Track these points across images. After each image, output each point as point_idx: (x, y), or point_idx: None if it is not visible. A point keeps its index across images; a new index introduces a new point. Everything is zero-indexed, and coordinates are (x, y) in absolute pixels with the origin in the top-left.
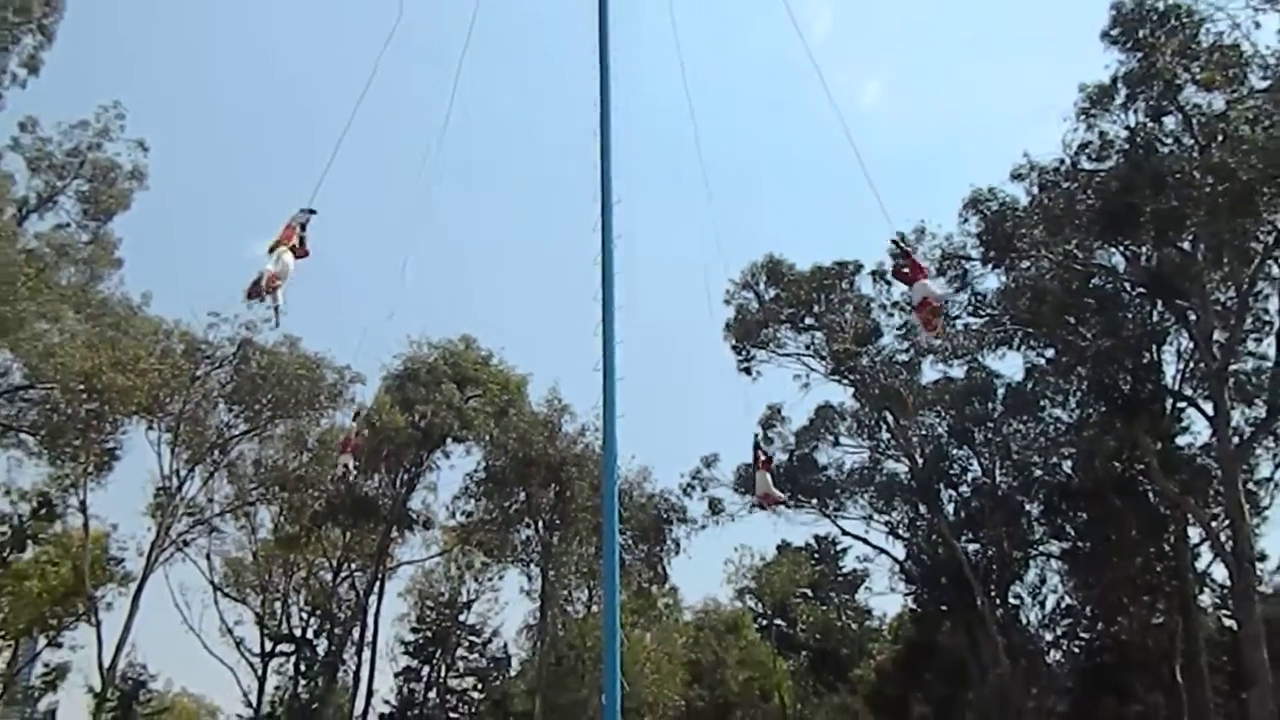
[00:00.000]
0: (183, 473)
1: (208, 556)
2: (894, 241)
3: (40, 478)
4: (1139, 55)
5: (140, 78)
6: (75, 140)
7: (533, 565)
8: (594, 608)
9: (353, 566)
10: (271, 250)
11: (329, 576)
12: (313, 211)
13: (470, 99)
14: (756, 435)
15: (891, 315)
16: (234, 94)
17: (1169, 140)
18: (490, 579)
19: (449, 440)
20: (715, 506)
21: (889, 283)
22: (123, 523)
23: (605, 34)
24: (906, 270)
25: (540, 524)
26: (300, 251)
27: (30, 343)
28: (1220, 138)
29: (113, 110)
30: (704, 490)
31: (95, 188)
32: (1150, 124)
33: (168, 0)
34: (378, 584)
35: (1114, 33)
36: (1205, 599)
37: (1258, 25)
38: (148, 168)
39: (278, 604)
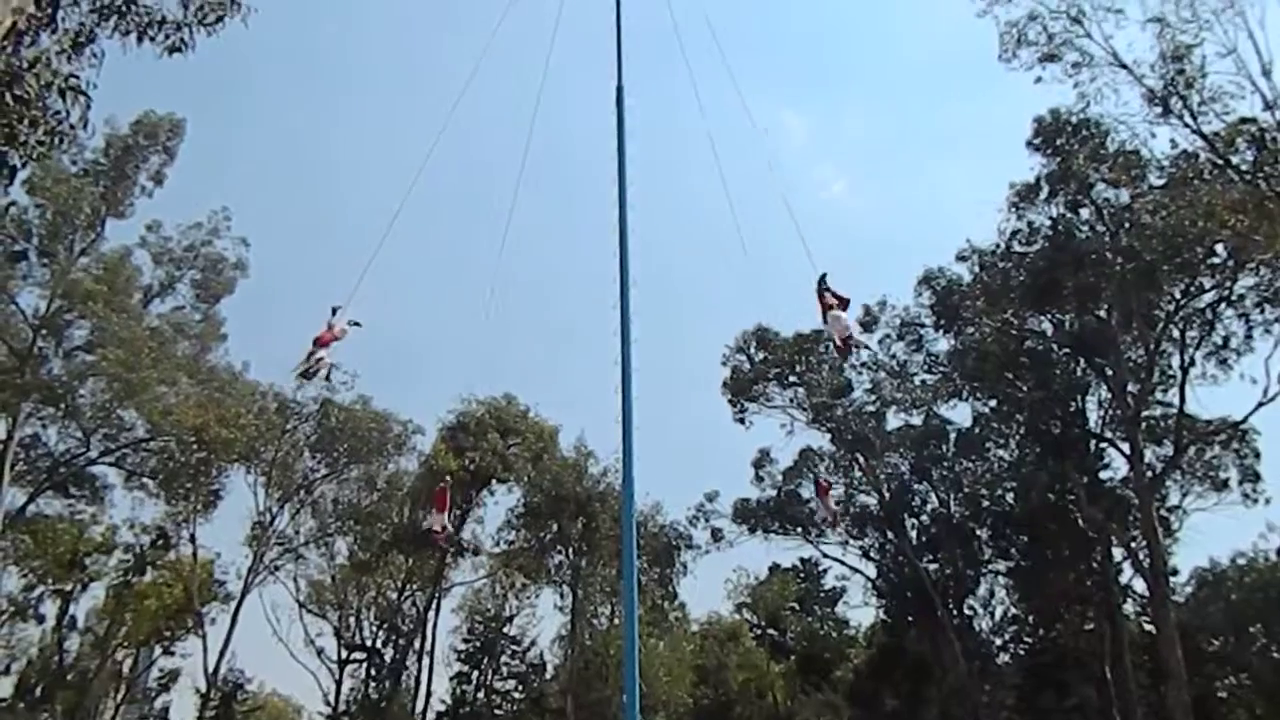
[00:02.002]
0: (274, 509)
1: (294, 579)
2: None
3: (158, 514)
4: (1058, 159)
5: (241, 175)
6: (191, 238)
7: (564, 586)
8: (615, 621)
9: (414, 587)
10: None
11: (395, 595)
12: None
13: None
14: (823, 276)
15: (860, 374)
16: (316, 190)
17: (1085, 228)
18: (529, 597)
19: (494, 480)
20: (716, 535)
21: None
22: (225, 551)
23: (622, 146)
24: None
25: (570, 551)
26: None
27: (152, 403)
28: (1127, 225)
29: (221, 213)
30: (707, 521)
31: (206, 276)
32: (1069, 214)
33: (260, 120)
34: (435, 602)
35: (1036, 141)
36: (1128, 608)
37: (1153, 135)
38: (249, 259)
39: (352, 619)
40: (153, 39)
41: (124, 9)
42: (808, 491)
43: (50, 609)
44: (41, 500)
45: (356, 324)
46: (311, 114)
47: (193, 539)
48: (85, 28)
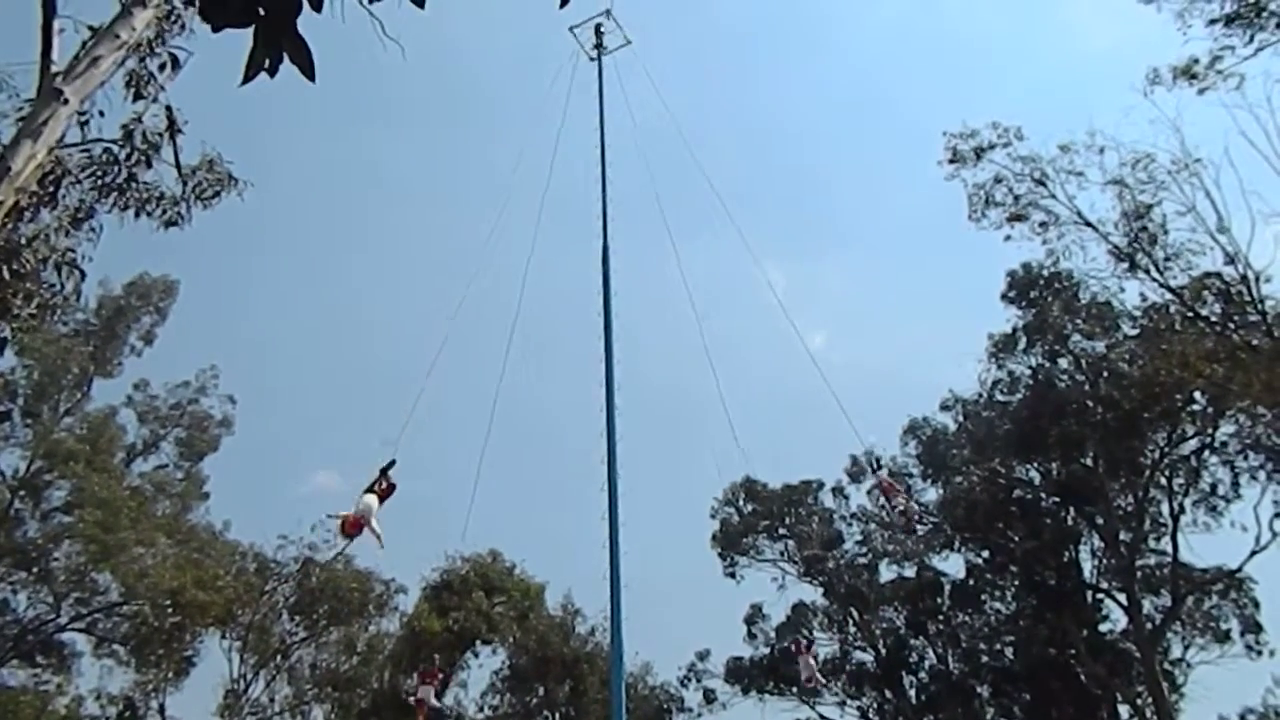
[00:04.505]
0: (249, 676)
1: None
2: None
3: (127, 684)
4: (1033, 311)
5: (231, 334)
6: (178, 396)
7: None
8: None
9: None
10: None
11: None
12: (392, 462)
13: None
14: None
15: (851, 525)
16: (305, 352)
17: (1065, 377)
18: None
19: (478, 642)
20: (709, 696)
21: (847, 497)
22: None
23: (608, 303)
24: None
25: (557, 716)
26: (383, 491)
27: (128, 566)
28: (1105, 374)
29: (209, 372)
30: (699, 681)
31: (191, 434)
32: (1048, 364)
33: (251, 276)
34: None
35: (1011, 294)
36: None
37: (1123, 288)
38: (235, 417)
39: None
40: (150, 214)
41: (124, 186)
42: None
43: None
44: (5, 670)
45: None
46: (304, 272)
47: (162, 710)
48: (85, 204)
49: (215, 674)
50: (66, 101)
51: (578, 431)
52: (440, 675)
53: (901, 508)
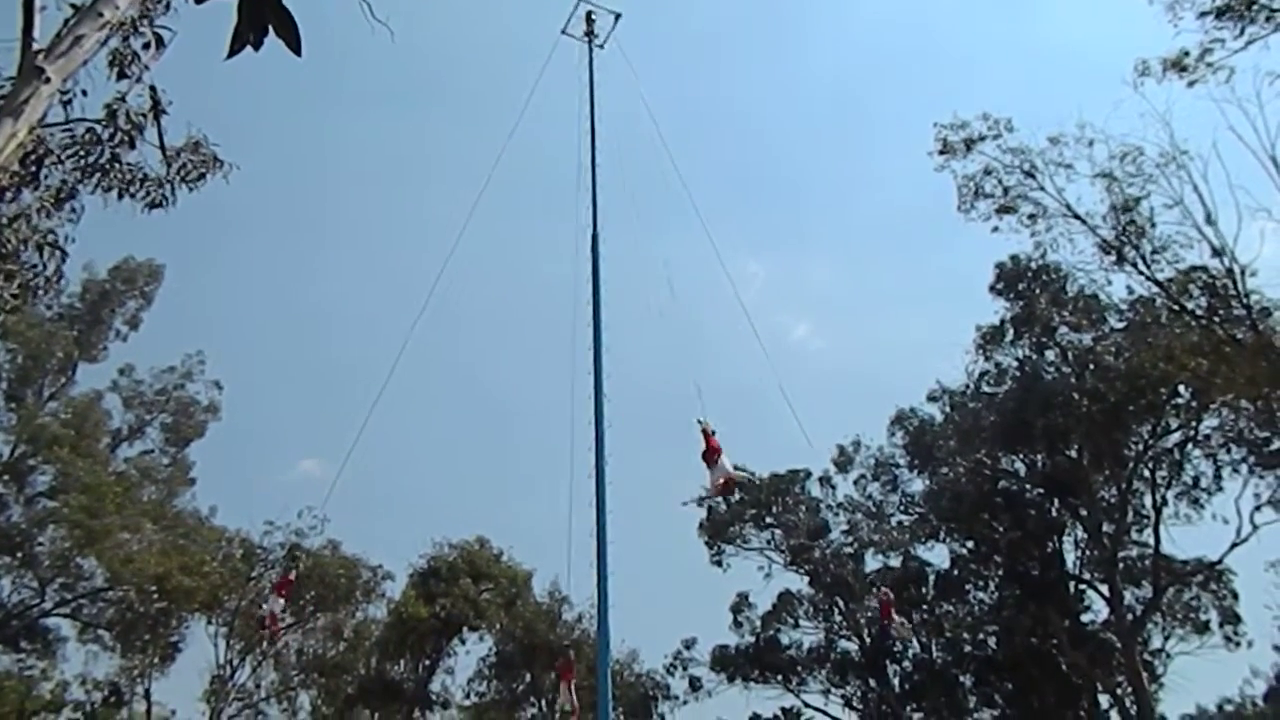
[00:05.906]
0: (235, 662)
1: None
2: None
3: (112, 669)
4: (1020, 303)
5: (217, 319)
6: (163, 382)
7: None
8: None
9: None
10: (712, 461)
11: None
12: (713, 430)
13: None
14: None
15: (837, 515)
16: (292, 339)
17: (1051, 369)
18: None
19: (465, 629)
20: (695, 684)
21: (833, 487)
22: (181, 708)
23: (597, 290)
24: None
25: (544, 703)
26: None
27: (113, 551)
28: (1091, 367)
29: (195, 357)
30: (685, 669)
31: (177, 420)
32: (1035, 356)
33: (236, 262)
34: None
35: (999, 286)
36: None
37: (1109, 282)
38: (221, 403)
39: None
40: (133, 195)
41: (107, 167)
42: (787, 637)
43: None
44: None
45: None
46: (291, 259)
47: (147, 695)
48: (67, 184)
49: (201, 660)
50: (48, 80)
51: (566, 419)
52: (291, 585)
53: (894, 623)
